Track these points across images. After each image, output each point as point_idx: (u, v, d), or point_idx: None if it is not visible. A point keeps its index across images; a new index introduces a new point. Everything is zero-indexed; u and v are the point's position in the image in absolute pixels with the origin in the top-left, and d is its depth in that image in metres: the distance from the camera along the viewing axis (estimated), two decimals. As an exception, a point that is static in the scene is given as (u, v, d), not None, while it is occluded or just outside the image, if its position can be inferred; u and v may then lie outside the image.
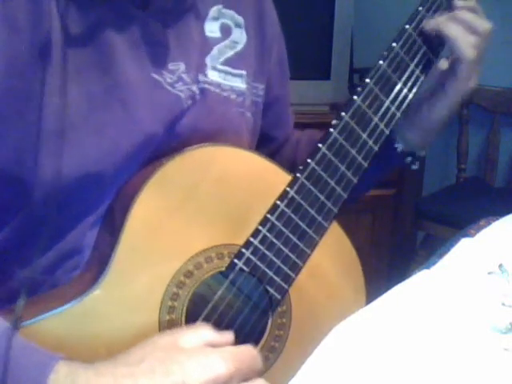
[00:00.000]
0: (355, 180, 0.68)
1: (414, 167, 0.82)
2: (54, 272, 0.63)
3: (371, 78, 0.68)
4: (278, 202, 0.64)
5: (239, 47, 0.75)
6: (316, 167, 0.65)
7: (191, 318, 0.61)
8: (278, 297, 0.65)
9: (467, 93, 0.73)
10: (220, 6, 0.73)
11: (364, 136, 0.68)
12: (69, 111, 0.59)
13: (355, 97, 0.68)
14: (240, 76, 0.74)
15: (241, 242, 0.63)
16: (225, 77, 0.72)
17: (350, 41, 1.86)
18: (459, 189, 2.15)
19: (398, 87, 0.70)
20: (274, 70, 0.82)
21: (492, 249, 0.75)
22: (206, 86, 0.70)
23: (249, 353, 0.56)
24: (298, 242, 0.65)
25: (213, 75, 0.71)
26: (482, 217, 0.86)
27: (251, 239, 0.63)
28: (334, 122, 0.67)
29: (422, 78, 0.72)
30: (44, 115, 0.58)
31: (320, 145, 0.66)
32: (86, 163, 0.60)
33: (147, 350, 0.53)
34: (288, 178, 0.65)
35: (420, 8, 0.71)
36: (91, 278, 0.59)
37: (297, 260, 0.65)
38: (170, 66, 0.66)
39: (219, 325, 0.62)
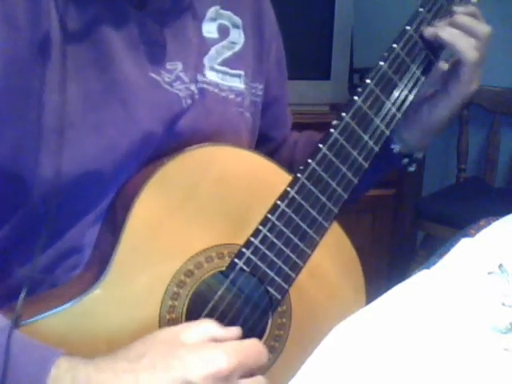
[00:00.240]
0: (356, 180, 0.68)
1: (411, 169, 0.82)
2: (53, 271, 0.63)
3: (372, 79, 0.68)
4: (279, 202, 0.64)
5: (237, 48, 0.75)
6: (316, 167, 0.65)
7: (191, 318, 0.61)
8: (278, 297, 0.65)
9: (469, 95, 0.73)
10: (217, 7, 0.73)
11: (365, 137, 0.68)
12: (67, 109, 0.59)
13: (356, 97, 0.68)
14: (238, 76, 0.74)
15: (241, 241, 0.63)
16: (223, 77, 0.72)
17: (350, 41, 1.86)
18: (459, 189, 2.14)
19: (398, 88, 0.70)
20: (272, 70, 0.82)
21: (492, 249, 0.76)
22: (205, 85, 0.70)
23: (253, 347, 0.55)
24: (298, 242, 0.65)
25: (211, 75, 0.71)
26: (482, 217, 0.86)
27: (252, 239, 0.63)
28: (334, 122, 0.67)
29: (422, 79, 0.72)
30: (43, 113, 0.58)
31: (321, 145, 0.66)
32: (84, 161, 0.60)
33: (148, 346, 0.53)
34: (288, 178, 0.66)
35: (421, 9, 0.71)
36: (92, 278, 0.59)
37: (297, 260, 0.65)
38: (168, 66, 0.66)
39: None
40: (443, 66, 0.73)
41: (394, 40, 0.70)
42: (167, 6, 0.67)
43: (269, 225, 0.63)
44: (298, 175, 0.65)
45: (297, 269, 0.66)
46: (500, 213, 0.87)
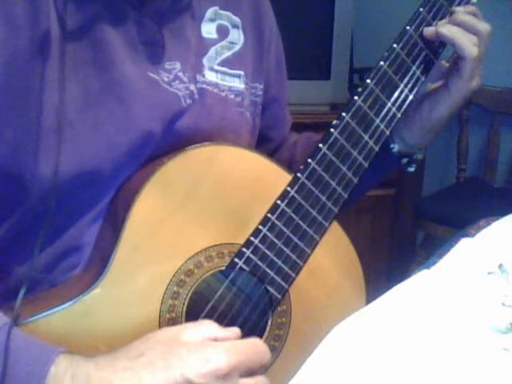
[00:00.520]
0: (356, 180, 0.68)
1: (411, 169, 0.82)
2: (52, 270, 0.63)
3: (372, 79, 0.68)
4: (279, 202, 0.64)
5: (237, 48, 0.75)
6: (317, 167, 0.65)
7: (191, 317, 0.61)
8: (278, 296, 0.65)
9: (470, 93, 0.73)
10: (216, 8, 0.74)
11: (365, 136, 0.68)
12: (66, 108, 0.59)
13: (356, 97, 0.68)
14: (238, 76, 0.74)
15: (241, 241, 0.63)
16: (222, 77, 0.72)
17: (350, 41, 1.86)
18: (459, 189, 2.14)
19: (398, 88, 0.70)
20: (271, 70, 0.82)
21: (492, 249, 0.76)
22: (204, 86, 0.70)
23: (254, 346, 0.55)
24: (298, 241, 0.65)
25: (210, 76, 0.71)
26: (481, 217, 0.86)
27: (252, 238, 0.63)
28: (334, 122, 0.67)
29: (422, 79, 0.72)
30: (42, 112, 0.58)
31: (321, 145, 0.66)
32: (83, 160, 0.60)
33: (148, 345, 0.53)
34: (289, 177, 0.66)
35: (421, 9, 0.71)
36: (92, 277, 0.59)
37: (297, 260, 0.65)
38: (167, 66, 0.66)
39: (219, 324, 0.62)
40: (443, 64, 0.73)
41: (394, 40, 0.70)
42: (166, 7, 0.67)
43: (269, 224, 0.63)
44: (298, 175, 0.65)
45: (297, 268, 0.66)
46: (500, 213, 0.87)
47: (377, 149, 0.70)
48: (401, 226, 2.04)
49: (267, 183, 0.66)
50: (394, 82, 0.70)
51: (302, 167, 0.65)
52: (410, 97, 0.71)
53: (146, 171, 0.63)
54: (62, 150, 0.59)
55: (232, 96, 0.73)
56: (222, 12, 0.74)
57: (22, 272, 0.63)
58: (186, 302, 0.61)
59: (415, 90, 0.72)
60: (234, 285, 0.64)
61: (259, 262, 0.63)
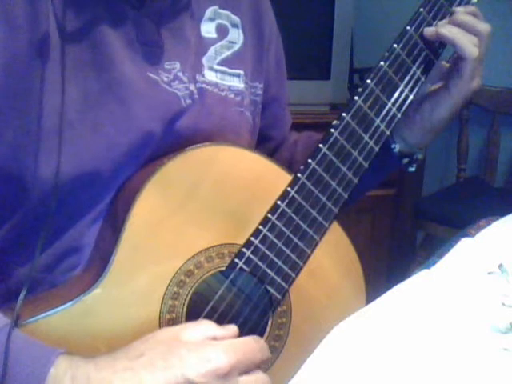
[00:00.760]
0: (356, 180, 0.68)
1: (411, 169, 0.82)
2: (53, 270, 0.63)
3: (372, 79, 0.68)
4: (279, 202, 0.64)
5: (236, 47, 0.75)
6: (317, 167, 0.65)
7: (192, 317, 0.61)
8: (278, 296, 0.65)
9: (470, 93, 0.73)
10: (216, 7, 0.74)
11: (365, 137, 0.68)
12: (66, 109, 0.59)
13: (356, 97, 0.68)
14: (238, 76, 0.74)
15: (241, 241, 0.63)
16: (222, 77, 0.72)
17: (350, 41, 1.86)
18: (459, 189, 2.15)
19: (399, 88, 0.70)
20: (271, 70, 0.82)
21: (492, 249, 0.76)
22: (204, 85, 0.70)
23: (251, 344, 0.55)
24: (298, 241, 0.65)
25: (210, 75, 0.71)
26: (481, 217, 0.86)
27: (252, 239, 0.63)
28: (334, 122, 0.67)
29: (422, 79, 0.72)
30: (42, 113, 0.58)
31: (321, 145, 0.66)
32: (83, 161, 0.60)
33: (147, 345, 0.53)
34: (289, 178, 0.66)
35: (421, 9, 0.71)
36: (92, 277, 0.59)
37: (297, 260, 0.65)
38: (166, 66, 0.66)
39: (219, 324, 0.62)
40: (444, 65, 0.73)
41: (395, 40, 0.70)
42: (165, 6, 0.67)
43: (269, 225, 0.63)
44: (298, 175, 0.65)
45: (297, 269, 0.66)
46: (500, 213, 0.87)
47: (377, 149, 0.70)
48: (401, 226, 2.04)
49: (267, 183, 0.66)
50: (394, 82, 0.70)
51: (302, 167, 0.65)
52: (411, 97, 0.71)
53: (145, 171, 0.63)
54: (62, 151, 0.59)
55: (232, 95, 0.73)
56: (221, 11, 0.74)
57: (22, 273, 0.63)
58: (186, 303, 0.61)
59: (415, 90, 0.72)
60: (234, 285, 0.64)
61: (259, 263, 0.63)
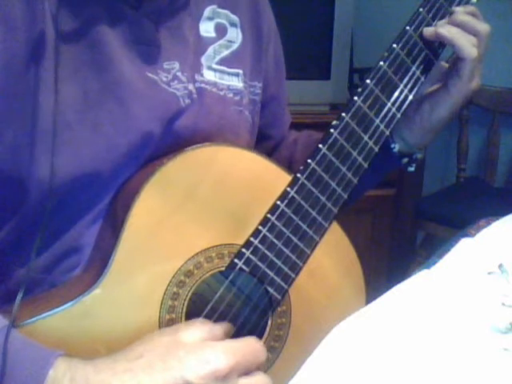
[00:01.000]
0: (355, 180, 0.68)
1: (411, 169, 0.82)
2: (52, 271, 0.63)
3: (372, 79, 0.68)
4: (279, 202, 0.64)
5: (235, 46, 0.75)
6: (316, 167, 0.65)
7: (191, 318, 0.61)
8: (278, 297, 0.65)
9: (470, 93, 0.73)
10: (214, 6, 0.73)
11: (364, 137, 0.68)
12: (64, 109, 0.59)
13: (356, 97, 0.68)
14: (236, 75, 0.74)
15: (241, 241, 0.63)
16: (221, 76, 0.72)
17: (350, 41, 1.86)
18: (459, 189, 2.15)
19: (398, 88, 0.70)
20: (270, 69, 0.82)
21: (492, 249, 0.76)
22: (203, 85, 0.70)
23: (250, 345, 0.55)
24: (298, 242, 0.65)
25: (209, 75, 0.71)
26: (482, 217, 0.86)
27: (251, 239, 0.63)
28: (334, 122, 0.67)
29: (422, 79, 0.72)
30: (39, 114, 0.58)
31: (320, 145, 0.66)
32: (83, 162, 0.60)
33: (146, 346, 0.53)
34: (288, 178, 0.66)
35: (421, 9, 0.71)
36: (91, 278, 0.59)
37: (297, 260, 0.65)
38: (165, 65, 0.66)
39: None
40: (443, 65, 0.73)
41: (394, 40, 0.70)
42: (163, 6, 0.67)
43: (268, 225, 0.63)
44: (298, 175, 0.65)
45: (296, 269, 0.66)
46: (500, 213, 0.87)
47: (376, 149, 0.69)
48: (401, 226, 2.04)
49: (267, 183, 0.66)
50: (393, 82, 0.70)
51: (301, 168, 0.65)
52: (410, 97, 0.71)
53: (145, 172, 0.63)
54: (61, 152, 0.59)
55: (231, 95, 0.73)
56: (220, 10, 0.74)
57: (22, 274, 0.63)
58: (186, 303, 0.61)
59: (415, 90, 0.72)
60: (233, 285, 0.64)
61: (259, 263, 0.63)
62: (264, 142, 0.86)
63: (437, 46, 0.73)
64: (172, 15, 0.68)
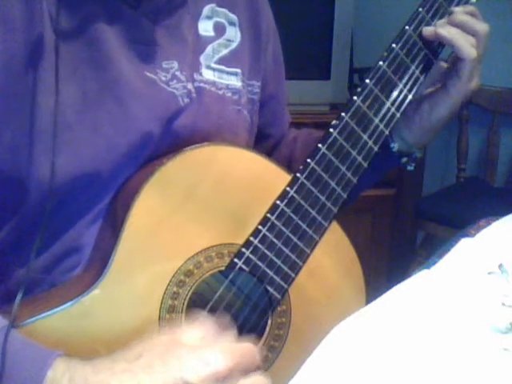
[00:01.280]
0: (355, 180, 0.68)
1: (410, 168, 0.82)
2: (52, 271, 0.63)
3: (371, 79, 0.68)
4: (278, 202, 0.64)
5: (233, 45, 0.75)
6: (316, 167, 0.65)
7: (191, 317, 0.61)
8: (278, 296, 0.65)
9: (469, 93, 0.73)
10: (213, 5, 0.73)
11: (364, 136, 0.68)
12: (64, 110, 0.59)
13: (355, 97, 0.68)
14: (235, 74, 0.74)
15: (241, 241, 0.63)
16: (219, 75, 0.72)
17: (350, 41, 1.86)
18: (459, 189, 2.15)
19: (397, 88, 0.70)
20: (269, 67, 0.82)
21: (492, 249, 0.75)
22: (202, 84, 0.70)
23: (251, 346, 0.55)
24: (297, 241, 0.65)
25: (207, 74, 0.71)
26: (481, 217, 0.86)
27: (251, 239, 0.63)
28: (333, 122, 0.67)
29: (421, 78, 0.72)
30: (38, 114, 0.58)
31: (320, 145, 0.66)
32: (82, 162, 0.60)
33: (146, 346, 0.53)
34: (288, 177, 0.66)
35: (420, 9, 0.71)
36: (91, 278, 0.59)
37: (296, 260, 0.65)
38: (164, 65, 0.66)
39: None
40: (442, 65, 0.73)
41: (394, 40, 0.70)
42: (161, 5, 0.67)
43: (268, 224, 0.63)
44: (298, 175, 0.65)
45: (296, 268, 0.66)
46: (500, 213, 0.87)
47: (376, 148, 0.70)
48: (401, 226, 2.04)
49: (266, 183, 0.66)
50: (393, 81, 0.70)
51: (301, 167, 0.65)
52: (409, 96, 0.71)
53: (145, 172, 0.63)
54: (61, 152, 0.59)
55: (229, 94, 0.73)
56: (218, 9, 0.74)
57: (22, 274, 0.63)
58: (186, 303, 0.61)
59: (414, 89, 0.72)
60: (233, 285, 0.64)
61: (259, 262, 0.63)
62: (264, 141, 0.86)
63: (436, 45, 0.73)
64: (170, 14, 0.68)
